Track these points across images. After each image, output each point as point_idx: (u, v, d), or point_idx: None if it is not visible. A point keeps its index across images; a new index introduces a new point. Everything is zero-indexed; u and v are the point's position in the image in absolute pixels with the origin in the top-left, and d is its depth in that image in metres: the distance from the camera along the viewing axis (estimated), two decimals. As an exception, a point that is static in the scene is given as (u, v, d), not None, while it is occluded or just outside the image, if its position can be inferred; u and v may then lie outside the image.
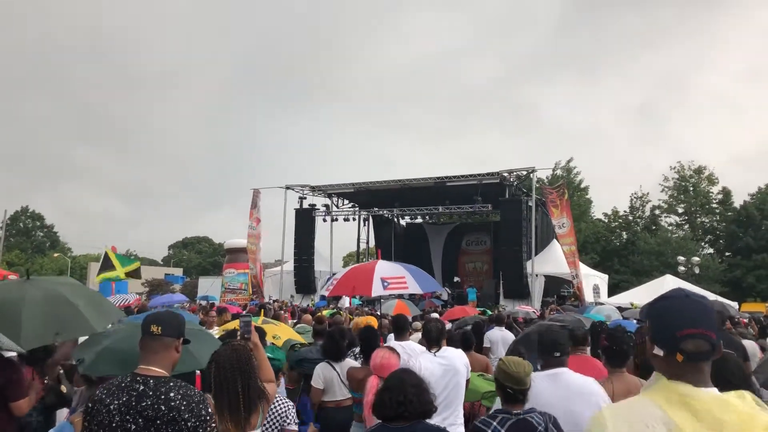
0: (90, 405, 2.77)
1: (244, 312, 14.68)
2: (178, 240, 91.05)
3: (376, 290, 6.26)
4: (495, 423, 3.38)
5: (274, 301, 25.05)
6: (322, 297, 23.33)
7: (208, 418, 2.76)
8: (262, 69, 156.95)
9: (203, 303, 25.21)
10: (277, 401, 3.92)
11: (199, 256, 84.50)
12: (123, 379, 2.81)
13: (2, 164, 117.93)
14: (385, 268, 6.51)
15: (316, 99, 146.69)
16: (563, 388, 3.73)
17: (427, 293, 27.67)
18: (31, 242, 77.70)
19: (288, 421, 3.92)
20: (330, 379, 5.82)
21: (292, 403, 4.07)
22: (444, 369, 4.93)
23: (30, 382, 4.77)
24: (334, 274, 7.44)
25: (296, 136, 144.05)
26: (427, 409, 2.96)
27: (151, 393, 2.71)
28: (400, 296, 12.18)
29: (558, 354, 3.91)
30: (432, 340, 5.20)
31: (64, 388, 5.17)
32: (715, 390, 1.67)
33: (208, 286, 37.87)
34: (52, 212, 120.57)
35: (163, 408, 2.68)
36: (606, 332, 4.73)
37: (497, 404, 3.63)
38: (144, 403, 2.68)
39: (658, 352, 1.73)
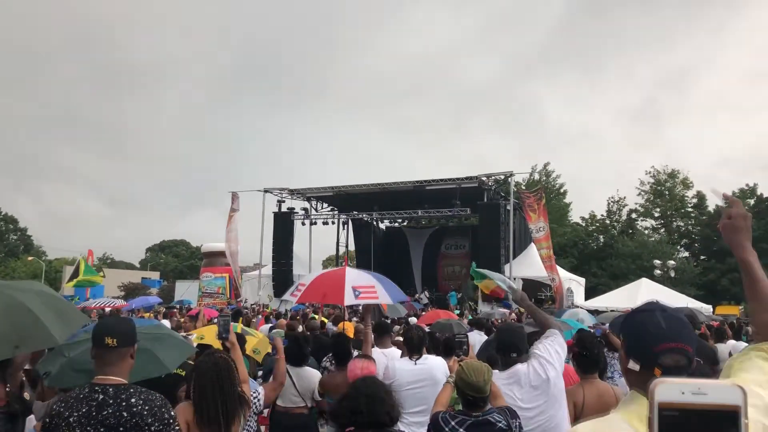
0: (48, 419, 2.75)
1: (218, 314, 14.64)
2: (156, 243, 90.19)
3: (348, 299, 6.19)
4: (453, 423, 3.45)
5: (251, 305, 24.92)
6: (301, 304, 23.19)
7: (171, 421, 2.77)
8: (249, 67, 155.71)
9: (178, 306, 25.03)
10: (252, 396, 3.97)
11: (177, 260, 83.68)
12: (81, 390, 2.78)
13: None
14: (354, 277, 6.45)
15: (308, 99, 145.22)
16: (517, 386, 3.86)
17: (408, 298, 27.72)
18: (4, 245, 76.38)
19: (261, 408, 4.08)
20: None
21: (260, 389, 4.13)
22: (420, 377, 4.96)
23: None
24: (299, 280, 7.37)
25: (285, 138, 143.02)
26: (380, 420, 2.92)
27: (111, 401, 2.69)
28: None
29: (515, 354, 4.01)
30: (413, 348, 5.20)
31: (27, 395, 5.06)
32: None
33: (185, 290, 37.52)
34: (28, 213, 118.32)
35: (125, 414, 2.66)
36: (575, 338, 4.76)
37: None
38: (105, 412, 2.66)
39: (634, 366, 1.69)
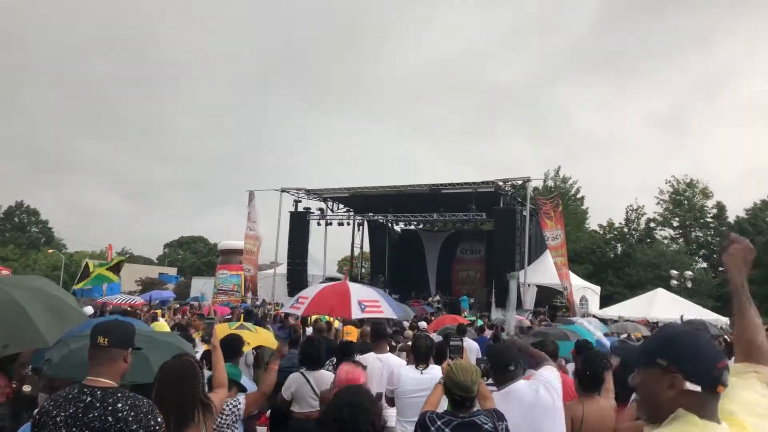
0: (37, 417, 2.76)
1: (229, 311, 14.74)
2: (174, 239, 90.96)
3: (355, 312, 6.28)
4: (440, 422, 3.45)
5: (268, 304, 25.05)
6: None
7: (157, 428, 2.76)
8: (274, 67, 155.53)
9: (194, 303, 25.23)
10: (227, 407, 3.96)
11: (194, 256, 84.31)
12: (70, 390, 2.79)
13: (2, 155, 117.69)
14: (359, 291, 6.56)
15: (334, 98, 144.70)
16: (517, 404, 3.83)
17: (418, 302, 27.70)
18: (26, 238, 77.49)
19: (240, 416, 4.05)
20: (300, 389, 5.74)
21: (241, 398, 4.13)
22: (425, 386, 4.94)
23: None
24: (300, 294, 7.42)
25: (305, 137, 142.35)
26: (363, 429, 2.92)
27: (98, 404, 2.70)
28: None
29: (512, 367, 4.02)
30: (420, 357, 5.21)
31: (27, 388, 5.16)
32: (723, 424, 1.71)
33: (201, 286, 37.83)
34: (50, 205, 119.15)
35: (110, 419, 2.67)
36: (582, 356, 4.76)
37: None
38: (91, 415, 2.67)
39: (694, 388, 1.70)
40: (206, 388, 3.53)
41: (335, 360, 6.14)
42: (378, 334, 6.49)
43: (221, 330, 6.12)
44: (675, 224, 53.28)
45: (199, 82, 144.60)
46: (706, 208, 52.40)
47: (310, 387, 5.69)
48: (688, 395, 1.70)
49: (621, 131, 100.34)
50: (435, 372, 5.10)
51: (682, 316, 19.16)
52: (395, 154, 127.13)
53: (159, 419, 2.80)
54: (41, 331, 4.13)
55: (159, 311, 15.90)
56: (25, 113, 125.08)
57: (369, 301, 6.39)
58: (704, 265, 50.60)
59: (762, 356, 2.01)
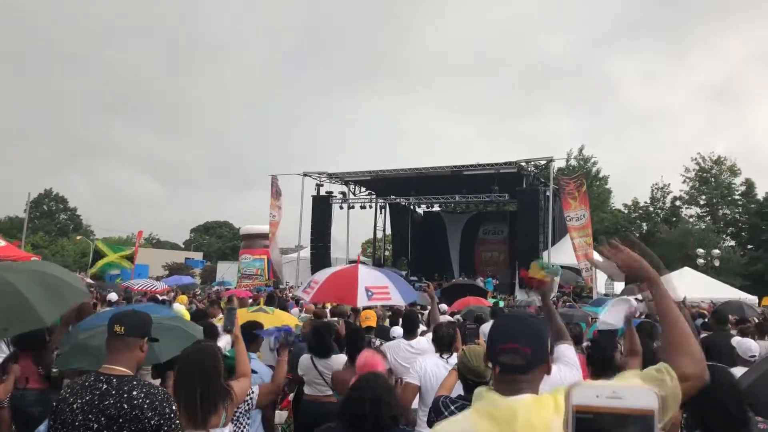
0: (55, 404, 2.81)
1: (251, 296, 14.83)
2: (200, 224, 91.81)
3: (361, 300, 6.19)
4: (453, 407, 3.44)
5: (289, 287, 25.23)
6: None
7: (171, 416, 2.79)
8: (311, 46, 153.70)
9: (219, 288, 25.49)
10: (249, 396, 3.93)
11: (220, 241, 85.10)
12: (87, 378, 2.84)
13: (33, 141, 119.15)
14: (367, 276, 6.43)
15: (371, 77, 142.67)
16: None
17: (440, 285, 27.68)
18: (55, 225, 78.85)
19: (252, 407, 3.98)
20: (309, 373, 5.77)
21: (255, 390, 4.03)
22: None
23: (11, 368, 4.91)
24: (313, 277, 7.30)
25: (336, 118, 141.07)
26: (383, 424, 2.92)
27: (113, 392, 2.73)
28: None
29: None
30: (443, 346, 5.12)
31: (54, 369, 5.27)
32: (527, 396, 1.76)
33: (225, 271, 38.28)
34: (78, 191, 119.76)
35: (125, 407, 2.70)
36: (591, 340, 4.73)
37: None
38: (106, 402, 2.71)
39: (496, 368, 1.87)
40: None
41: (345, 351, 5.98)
42: (408, 325, 6.44)
43: (239, 315, 6.17)
44: (702, 202, 52.36)
45: (231, 62, 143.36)
46: (733, 186, 51.40)
47: (317, 372, 5.71)
48: (496, 376, 1.87)
49: (669, 104, 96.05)
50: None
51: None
52: (429, 133, 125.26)
53: (173, 407, 2.83)
54: (39, 312, 4.18)
55: (183, 296, 16.08)
56: (54, 97, 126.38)
57: (377, 287, 6.30)
58: (732, 243, 49.77)
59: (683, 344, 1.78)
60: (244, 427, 4.06)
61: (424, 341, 6.27)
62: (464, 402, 3.46)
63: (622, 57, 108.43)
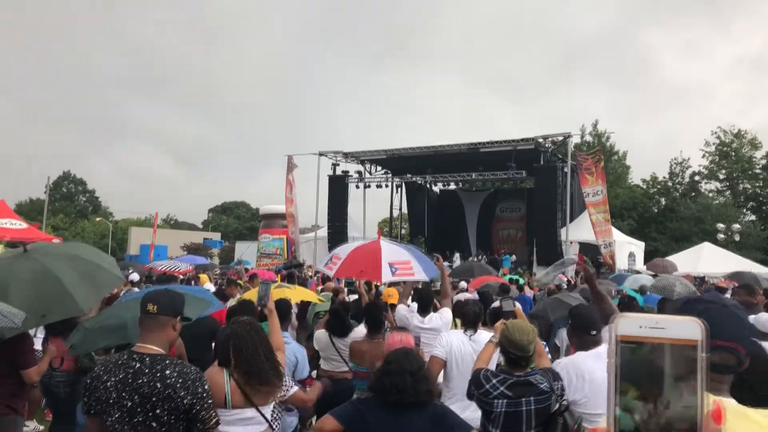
0: (89, 381, 2.83)
1: (275, 276, 14.94)
2: (218, 204, 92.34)
3: (386, 276, 6.14)
4: (495, 381, 3.44)
5: (308, 266, 25.37)
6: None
7: (204, 395, 2.81)
8: (336, 19, 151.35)
9: (237, 268, 25.68)
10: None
11: (238, 221, 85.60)
12: (120, 356, 2.87)
13: (52, 124, 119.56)
14: (390, 252, 6.34)
15: (396, 53, 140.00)
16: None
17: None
18: (74, 207, 79.76)
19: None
20: (326, 350, 5.85)
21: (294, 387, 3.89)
22: (474, 354, 4.81)
23: (48, 350, 5.02)
24: (334, 252, 7.18)
25: (368, 95, 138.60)
26: (421, 399, 2.92)
27: (147, 371, 2.76)
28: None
29: (594, 332, 3.82)
30: (468, 323, 5.15)
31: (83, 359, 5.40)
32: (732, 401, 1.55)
33: (244, 250, 38.56)
34: (98, 172, 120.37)
35: (158, 385, 2.72)
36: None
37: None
38: (140, 381, 2.73)
39: None
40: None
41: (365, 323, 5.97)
42: (422, 302, 6.49)
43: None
44: (721, 176, 51.65)
45: (250, 36, 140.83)
46: (754, 159, 50.61)
47: (335, 349, 5.78)
48: None
49: (704, 77, 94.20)
50: (482, 337, 4.97)
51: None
52: (455, 110, 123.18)
53: (206, 386, 2.85)
54: (76, 299, 4.19)
55: (205, 275, 16.20)
56: (73, 77, 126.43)
57: (400, 262, 6.26)
58: (753, 217, 49.16)
59: None
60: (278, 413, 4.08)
61: (437, 318, 6.33)
62: (506, 376, 3.47)
63: (658, 30, 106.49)
